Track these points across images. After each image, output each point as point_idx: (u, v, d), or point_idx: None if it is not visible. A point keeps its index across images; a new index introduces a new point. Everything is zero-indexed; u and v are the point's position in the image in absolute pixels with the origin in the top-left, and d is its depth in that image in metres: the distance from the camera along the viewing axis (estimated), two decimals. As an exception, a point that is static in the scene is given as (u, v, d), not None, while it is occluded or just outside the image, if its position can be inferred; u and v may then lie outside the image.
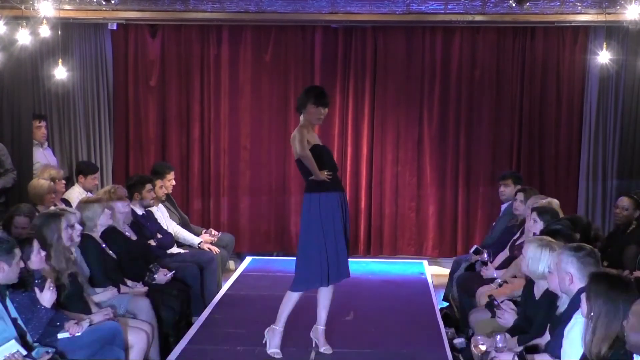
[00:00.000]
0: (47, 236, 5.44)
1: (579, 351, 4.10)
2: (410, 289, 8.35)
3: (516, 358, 4.62)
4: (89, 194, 8.14)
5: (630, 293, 3.94)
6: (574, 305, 4.40)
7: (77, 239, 5.94)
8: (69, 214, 5.83)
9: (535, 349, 4.87)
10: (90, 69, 9.69)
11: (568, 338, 4.25)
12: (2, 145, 7.99)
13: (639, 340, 3.56)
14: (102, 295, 5.96)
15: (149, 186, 7.82)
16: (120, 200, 6.91)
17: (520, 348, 4.87)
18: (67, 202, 7.70)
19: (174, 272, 6.93)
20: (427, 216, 10.03)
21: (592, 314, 3.95)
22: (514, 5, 8.30)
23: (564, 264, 4.60)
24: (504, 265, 7.00)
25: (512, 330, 5.21)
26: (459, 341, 6.17)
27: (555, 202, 6.98)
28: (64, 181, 7.93)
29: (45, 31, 8.11)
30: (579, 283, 4.52)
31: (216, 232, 8.63)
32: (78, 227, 5.93)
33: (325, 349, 6.03)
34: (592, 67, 9.36)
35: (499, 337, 4.83)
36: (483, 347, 4.90)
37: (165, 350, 6.14)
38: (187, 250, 8.10)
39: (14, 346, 4.47)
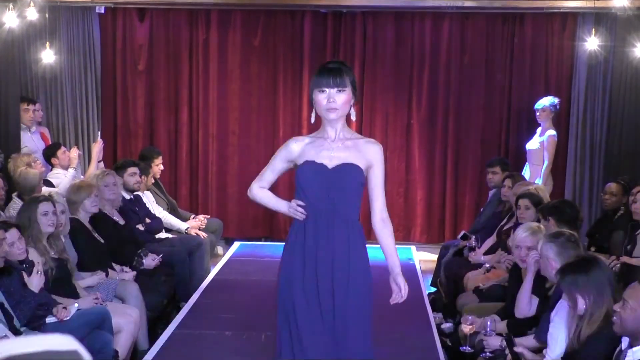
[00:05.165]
0: (23, 222, 5.40)
1: (565, 336, 4.13)
2: (398, 274, 8.35)
3: (504, 342, 4.65)
4: (71, 170, 8.08)
5: (596, 270, 3.97)
6: (558, 292, 4.43)
7: (67, 227, 5.92)
8: (53, 199, 5.80)
9: (522, 333, 4.90)
10: (78, 53, 9.61)
11: (554, 323, 4.28)
12: (-11, 129, 7.95)
13: (633, 323, 3.57)
14: (90, 280, 5.94)
15: (130, 170, 7.67)
16: (109, 185, 6.88)
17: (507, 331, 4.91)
18: (49, 183, 7.66)
19: (161, 256, 6.92)
20: (415, 202, 10.04)
21: (572, 305, 4.00)
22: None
23: (545, 251, 4.65)
24: (492, 250, 7.03)
25: (501, 315, 5.23)
26: (446, 326, 6.20)
27: (540, 188, 7.01)
28: (39, 160, 7.84)
29: (32, 14, 8.07)
30: (560, 269, 4.56)
31: (204, 217, 8.58)
32: (64, 213, 5.91)
33: None
34: (580, 54, 9.36)
35: (488, 321, 4.86)
36: (472, 327, 4.93)
37: (153, 335, 6.15)
38: (176, 236, 8.08)
39: (1, 331, 4.46)
